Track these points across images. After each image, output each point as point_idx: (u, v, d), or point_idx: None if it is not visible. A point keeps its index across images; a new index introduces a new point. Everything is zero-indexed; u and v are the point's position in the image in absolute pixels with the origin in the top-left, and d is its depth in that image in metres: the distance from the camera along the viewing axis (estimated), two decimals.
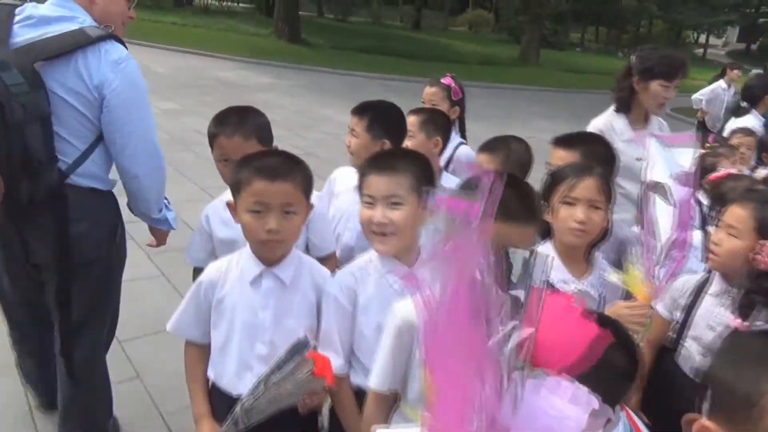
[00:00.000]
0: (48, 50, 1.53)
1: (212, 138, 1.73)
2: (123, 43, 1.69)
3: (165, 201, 1.96)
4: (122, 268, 1.99)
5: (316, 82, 12.79)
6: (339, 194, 2.04)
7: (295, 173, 1.42)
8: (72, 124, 1.60)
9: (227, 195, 1.52)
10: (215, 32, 18.28)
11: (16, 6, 1.64)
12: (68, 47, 1.55)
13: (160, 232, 2.03)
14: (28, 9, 1.63)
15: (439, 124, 2.24)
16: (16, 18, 1.59)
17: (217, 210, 1.73)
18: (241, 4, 32.15)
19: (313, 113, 9.26)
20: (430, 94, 2.75)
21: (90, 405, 1.93)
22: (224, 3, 29.14)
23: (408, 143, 2.09)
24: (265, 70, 13.41)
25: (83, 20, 1.64)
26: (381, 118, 2.00)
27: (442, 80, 2.78)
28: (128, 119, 1.64)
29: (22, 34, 1.57)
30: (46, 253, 1.68)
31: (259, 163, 1.39)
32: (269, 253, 1.43)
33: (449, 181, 2.08)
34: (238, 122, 1.71)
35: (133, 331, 2.85)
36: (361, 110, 2.01)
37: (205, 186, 4.98)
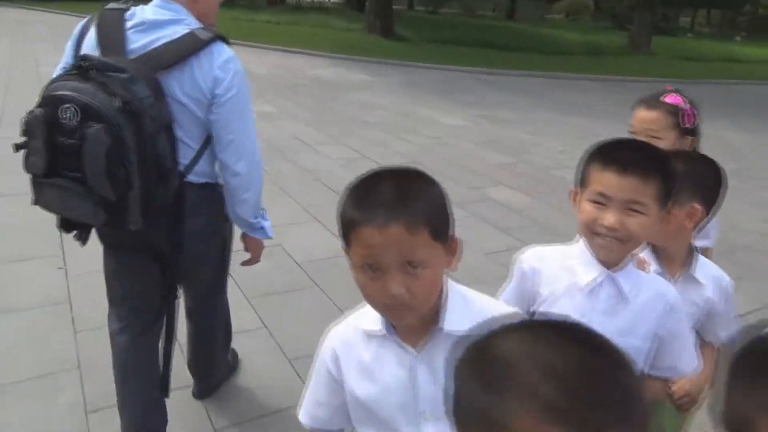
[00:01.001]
0: (166, 59, 1.57)
1: (349, 227, 0.96)
2: (228, 43, 1.69)
3: (262, 210, 1.93)
4: (231, 245, 2.09)
5: (412, 78, 12.14)
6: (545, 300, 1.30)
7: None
8: (188, 127, 1.65)
9: (366, 313, 1.05)
10: (308, 29, 18.12)
11: (125, 10, 1.65)
12: (184, 53, 1.58)
13: (255, 243, 1.98)
14: (138, 14, 1.63)
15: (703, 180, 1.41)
16: (128, 23, 1.61)
17: (351, 346, 1.08)
18: (331, 0, 32.20)
19: (413, 114, 8.60)
20: (647, 121, 1.79)
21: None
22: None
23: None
24: (359, 67, 12.93)
25: (189, 22, 1.66)
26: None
27: (666, 98, 1.80)
28: (235, 117, 1.67)
29: (137, 40, 1.59)
30: (163, 248, 1.75)
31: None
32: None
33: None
34: (396, 202, 0.91)
35: None
36: (640, 168, 1.15)
37: (307, 204, 4.47)
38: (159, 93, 1.55)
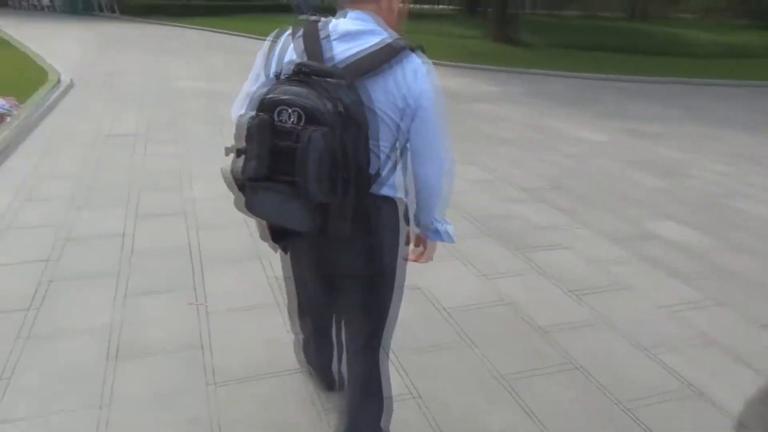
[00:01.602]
0: (363, 67, 1.58)
1: None
2: (424, 52, 1.69)
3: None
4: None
5: (540, 87, 11.40)
6: None
7: None
8: (379, 136, 1.65)
9: None
10: (428, 37, 17.82)
11: (319, 21, 1.68)
12: (379, 62, 1.60)
13: (431, 244, 1.98)
14: (332, 25, 1.66)
15: None
16: (323, 34, 1.64)
17: None
18: (447, 6, 31.82)
19: (545, 128, 7.95)
20: None
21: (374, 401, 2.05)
22: (434, 6, 29.08)
23: None
24: (482, 75, 12.40)
25: (382, 32, 1.67)
26: None
27: None
28: (428, 126, 1.68)
29: (333, 50, 1.62)
30: (346, 262, 1.79)
31: None
32: None
33: None
34: None
35: None
36: None
37: None
38: (360, 101, 1.56)
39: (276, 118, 1.48)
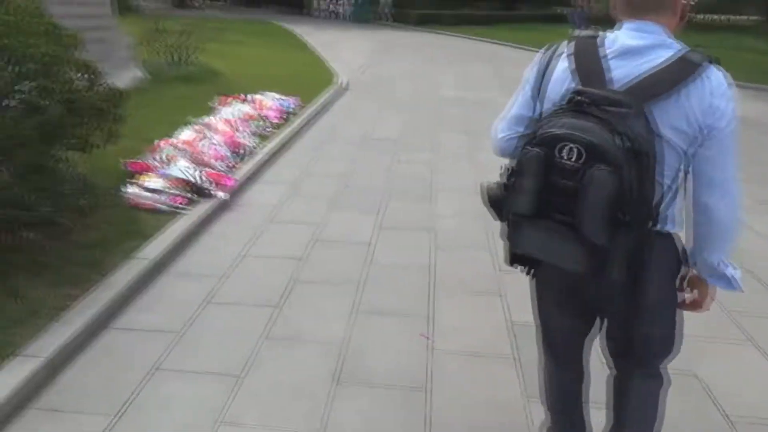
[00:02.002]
0: (653, 89, 1.42)
1: None
2: (719, 64, 1.47)
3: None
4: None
5: None
6: None
7: None
8: (664, 163, 1.47)
9: None
10: (721, 52, 15.31)
11: (596, 37, 1.54)
12: (674, 81, 1.42)
13: (711, 290, 1.67)
14: (613, 40, 1.50)
15: None
16: (604, 51, 1.49)
17: None
18: (747, 17, 27.23)
19: None
20: None
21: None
22: (730, 17, 25.19)
23: None
24: None
25: (673, 44, 1.48)
26: None
27: None
28: (727, 152, 1.47)
29: (617, 69, 1.46)
30: (604, 296, 1.63)
31: None
32: None
33: None
34: None
35: None
36: None
37: (732, 305, 3.17)
38: (649, 127, 1.43)
39: (557, 155, 1.38)
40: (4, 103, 3.12)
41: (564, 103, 1.45)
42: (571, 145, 1.36)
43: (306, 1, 31.84)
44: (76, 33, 3.86)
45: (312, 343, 2.83)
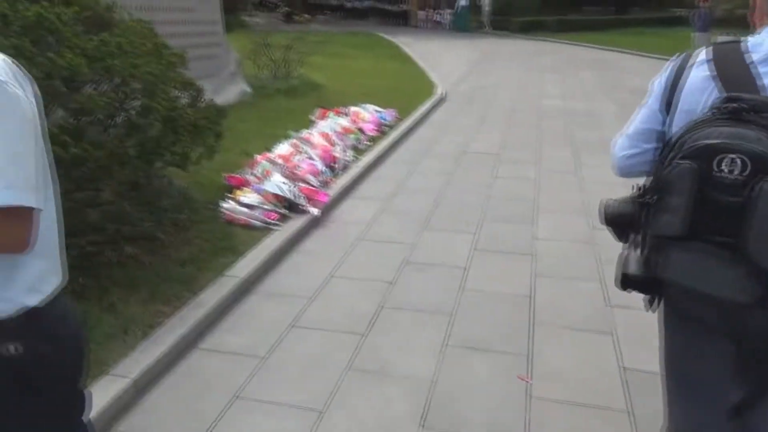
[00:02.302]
0: None
1: None
2: None
3: None
4: None
5: None
6: None
7: None
8: None
9: None
10: None
11: (738, 42, 1.39)
12: None
13: None
14: (749, 44, 1.36)
15: None
16: (750, 57, 1.35)
17: None
18: None
19: None
20: None
21: None
22: None
23: None
24: None
25: None
26: None
27: None
28: None
29: (765, 78, 1.32)
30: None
31: None
32: None
33: None
34: None
35: None
36: None
37: None
38: None
39: (714, 168, 1.24)
40: (109, 123, 3.23)
41: (711, 111, 1.31)
42: (733, 156, 1.23)
43: (410, 13, 32.10)
44: (183, 52, 3.96)
45: (398, 379, 2.64)
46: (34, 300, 1.19)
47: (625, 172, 1.58)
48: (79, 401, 1.36)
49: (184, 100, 3.82)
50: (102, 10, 3.76)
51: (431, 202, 4.96)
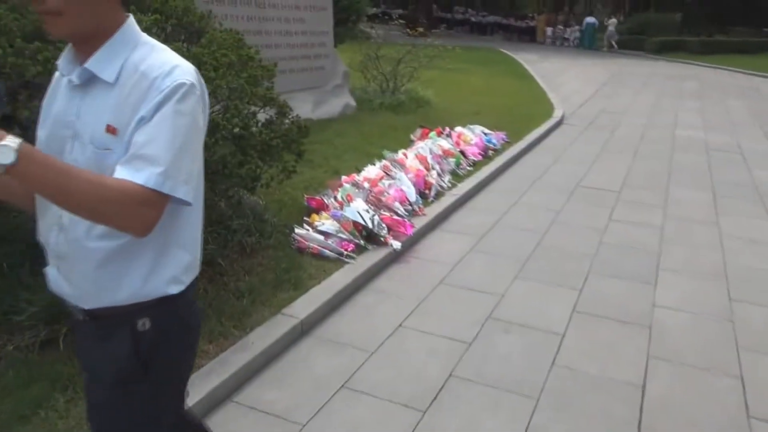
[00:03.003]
0: None
1: None
2: None
3: None
4: None
5: None
6: None
7: None
8: None
9: None
10: None
11: None
12: None
13: None
14: None
15: None
16: None
17: None
18: None
19: None
20: None
21: None
22: None
23: None
24: None
25: None
26: None
27: None
28: None
29: None
30: None
31: None
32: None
33: None
34: None
35: None
36: None
37: None
38: None
39: None
40: None
41: None
42: None
43: (536, 29, 30.94)
44: (272, 65, 3.71)
45: None
46: (175, 290, 1.28)
47: None
48: (184, 388, 1.44)
49: (263, 116, 3.56)
50: (195, 19, 3.60)
51: (530, 243, 4.33)
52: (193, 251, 1.33)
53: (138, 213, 1.09)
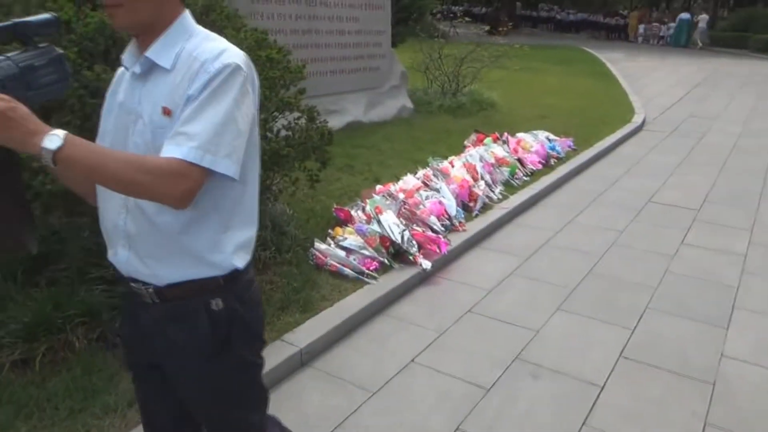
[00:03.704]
0: None
1: None
2: None
3: None
4: None
5: None
6: None
7: None
8: None
9: None
10: None
11: None
12: None
13: None
14: None
15: None
16: None
17: None
18: None
19: None
20: None
21: None
22: None
23: None
24: None
25: None
26: None
27: None
28: None
29: None
30: None
31: None
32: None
33: None
34: None
35: None
36: None
37: None
38: None
39: None
40: None
41: None
42: None
43: (628, 26, 29.19)
44: (300, 66, 3.47)
45: None
46: (241, 262, 1.34)
47: None
48: (260, 362, 1.49)
49: (281, 122, 3.31)
50: (221, 19, 3.42)
51: (582, 269, 3.82)
52: (253, 228, 1.39)
53: (173, 183, 1.14)
